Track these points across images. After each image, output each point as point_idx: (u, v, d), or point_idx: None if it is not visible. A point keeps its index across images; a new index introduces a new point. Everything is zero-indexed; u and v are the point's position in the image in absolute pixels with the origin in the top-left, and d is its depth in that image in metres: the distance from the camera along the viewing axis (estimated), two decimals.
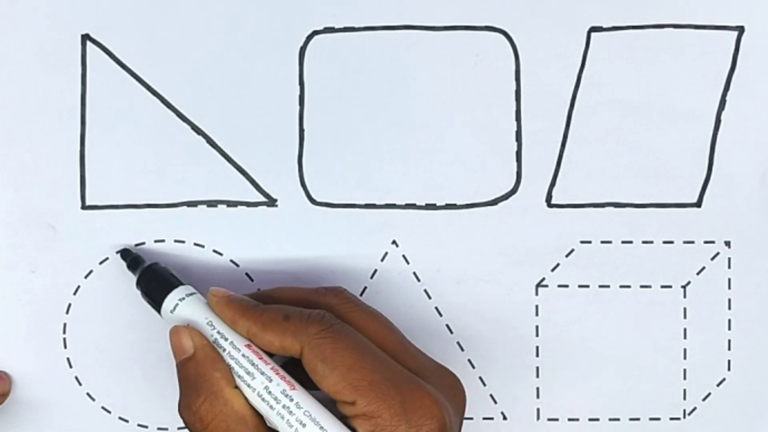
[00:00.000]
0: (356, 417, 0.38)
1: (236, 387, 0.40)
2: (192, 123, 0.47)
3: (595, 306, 0.48)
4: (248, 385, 0.40)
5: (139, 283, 0.45)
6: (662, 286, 0.48)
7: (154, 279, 0.44)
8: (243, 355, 0.40)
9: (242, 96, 0.47)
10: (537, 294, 0.48)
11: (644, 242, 0.48)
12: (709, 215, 0.48)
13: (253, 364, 0.40)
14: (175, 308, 0.43)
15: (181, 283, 0.44)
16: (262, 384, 0.40)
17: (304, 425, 0.38)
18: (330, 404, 0.39)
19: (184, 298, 0.43)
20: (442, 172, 0.48)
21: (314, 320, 0.40)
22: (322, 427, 0.38)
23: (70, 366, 0.47)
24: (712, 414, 0.48)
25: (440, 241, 0.48)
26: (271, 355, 0.41)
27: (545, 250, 0.48)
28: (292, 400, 0.39)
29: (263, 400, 0.39)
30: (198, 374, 0.40)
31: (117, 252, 0.47)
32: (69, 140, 0.47)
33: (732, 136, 0.48)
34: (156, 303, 0.44)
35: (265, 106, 0.47)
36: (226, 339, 0.41)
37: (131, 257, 0.46)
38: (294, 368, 0.40)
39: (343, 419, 0.39)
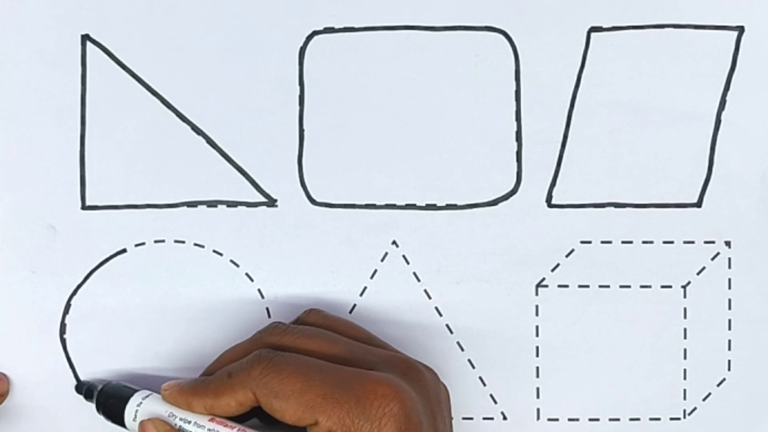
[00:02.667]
0: None
1: None
2: (192, 123, 0.47)
3: (596, 306, 0.48)
4: None
5: (98, 409, 0.45)
6: (662, 286, 0.48)
7: (110, 397, 0.45)
8: (209, 430, 0.42)
9: (242, 96, 0.47)
10: (537, 294, 0.48)
11: (644, 242, 0.48)
12: (710, 215, 0.48)
13: None
14: (135, 415, 0.44)
15: (135, 391, 0.45)
16: None
17: None
18: None
19: (141, 403, 0.44)
20: (443, 172, 0.48)
21: (253, 363, 0.41)
22: None
23: (71, 366, 0.47)
24: (712, 414, 0.48)
25: (440, 242, 0.48)
26: (241, 418, 0.42)
27: (545, 250, 0.48)
28: None
29: None
30: None
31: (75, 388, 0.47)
32: (69, 140, 0.47)
33: (732, 136, 0.48)
34: (119, 419, 0.44)
35: (265, 106, 0.47)
36: (189, 422, 0.42)
37: (85, 388, 0.46)
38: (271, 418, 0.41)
39: None
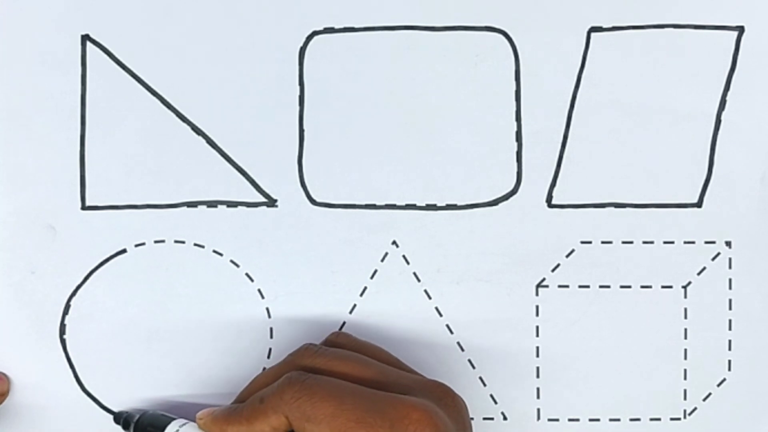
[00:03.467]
0: None
1: None
2: (192, 123, 0.47)
3: (596, 306, 0.48)
4: None
5: None
6: (663, 287, 0.48)
7: (148, 426, 0.45)
8: None
9: (242, 96, 0.47)
10: (537, 294, 0.48)
11: (645, 242, 0.48)
12: (710, 215, 0.48)
13: None
14: None
15: (172, 419, 0.45)
16: None
17: None
18: None
19: (178, 431, 0.44)
20: (443, 172, 0.48)
21: (284, 387, 0.40)
22: None
23: (71, 366, 0.47)
24: (712, 414, 0.48)
25: (440, 242, 0.48)
26: None
27: (545, 250, 0.48)
28: None
29: None
30: None
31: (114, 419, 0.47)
32: (69, 140, 0.47)
33: (732, 137, 0.48)
34: None
35: (265, 106, 0.47)
36: None
37: (123, 418, 0.46)
38: None
39: None
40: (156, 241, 0.47)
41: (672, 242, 0.48)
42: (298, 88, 0.48)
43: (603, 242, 0.48)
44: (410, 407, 0.39)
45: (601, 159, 0.48)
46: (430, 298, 0.48)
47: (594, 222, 0.48)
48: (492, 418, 0.48)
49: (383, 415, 0.38)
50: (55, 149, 0.47)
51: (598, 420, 0.48)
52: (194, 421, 0.44)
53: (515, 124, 0.48)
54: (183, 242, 0.48)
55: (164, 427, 0.44)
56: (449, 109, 0.48)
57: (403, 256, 0.48)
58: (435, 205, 0.48)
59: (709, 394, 0.48)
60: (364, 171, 0.48)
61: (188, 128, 0.47)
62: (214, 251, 0.48)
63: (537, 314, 0.48)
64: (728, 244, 0.48)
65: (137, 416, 0.46)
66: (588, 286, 0.48)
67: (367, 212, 0.48)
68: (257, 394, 0.41)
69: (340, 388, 0.40)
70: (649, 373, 0.48)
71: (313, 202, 0.48)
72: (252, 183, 0.48)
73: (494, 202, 0.48)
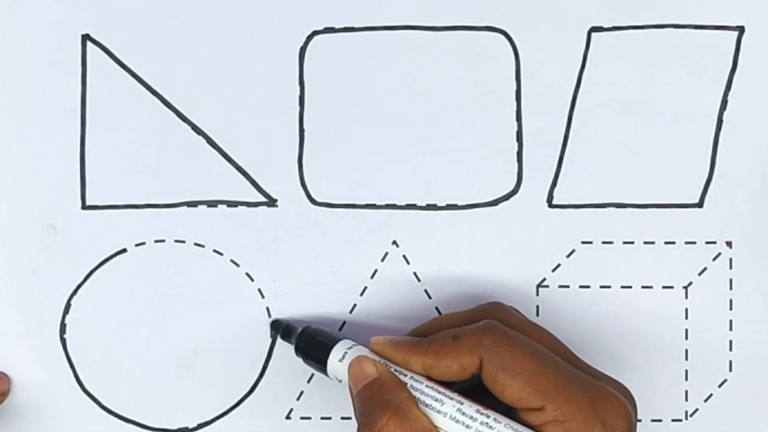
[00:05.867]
0: (546, 424, 0.37)
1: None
2: (192, 123, 0.48)
3: (597, 307, 0.48)
4: (438, 411, 0.39)
5: (298, 346, 0.45)
6: (664, 287, 0.48)
7: (317, 336, 0.44)
8: (426, 386, 0.40)
9: (242, 96, 0.47)
10: (538, 294, 0.48)
11: (646, 243, 0.48)
12: (711, 215, 0.48)
13: (439, 392, 0.40)
14: (344, 356, 0.42)
15: (342, 337, 0.44)
16: (453, 407, 0.39)
17: None
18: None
19: (352, 347, 0.43)
20: (443, 172, 0.48)
21: (486, 331, 0.39)
22: None
23: (71, 366, 0.47)
24: (714, 415, 0.48)
25: (441, 242, 0.48)
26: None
27: (546, 250, 0.48)
28: (489, 417, 0.38)
29: (457, 421, 0.39)
30: (383, 394, 0.40)
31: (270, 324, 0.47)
32: (69, 140, 0.47)
33: (733, 137, 0.48)
34: (320, 358, 0.43)
35: (265, 106, 0.47)
36: (405, 374, 0.41)
37: (283, 326, 0.46)
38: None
39: (532, 429, 0.38)
40: (156, 241, 0.48)
41: (673, 242, 0.48)
42: (298, 88, 0.48)
43: (604, 242, 0.48)
44: (612, 394, 0.38)
45: (602, 159, 0.48)
46: (430, 298, 0.48)
47: (595, 222, 0.48)
48: None
49: (585, 391, 0.38)
50: (55, 149, 0.47)
51: None
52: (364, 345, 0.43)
53: (515, 124, 0.48)
54: (183, 242, 0.48)
55: (334, 343, 0.43)
56: (449, 109, 0.48)
57: (403, 256, 0.48)
58: (435, 205, 0.48)
59: (711, 395, 0.48)
60: (364, 171, 0.48)
61: (188, 128, 0.47)
62: (214, 251, 0.48)
63: (537, 314, 0.48)
64: (729, 244, 0.48)
65: (300, 328, 0.45)
66: (588, 287, 0.48)
67: (367, 212, 0.48)
68: (449, 331, 0.40)
69: (542, 352, 0.39)
70: (650, 374, 0.48)
71: (313, 202, 0.48)
72: (252, 183, 0.48)
73: (494, 202, 0.48)
